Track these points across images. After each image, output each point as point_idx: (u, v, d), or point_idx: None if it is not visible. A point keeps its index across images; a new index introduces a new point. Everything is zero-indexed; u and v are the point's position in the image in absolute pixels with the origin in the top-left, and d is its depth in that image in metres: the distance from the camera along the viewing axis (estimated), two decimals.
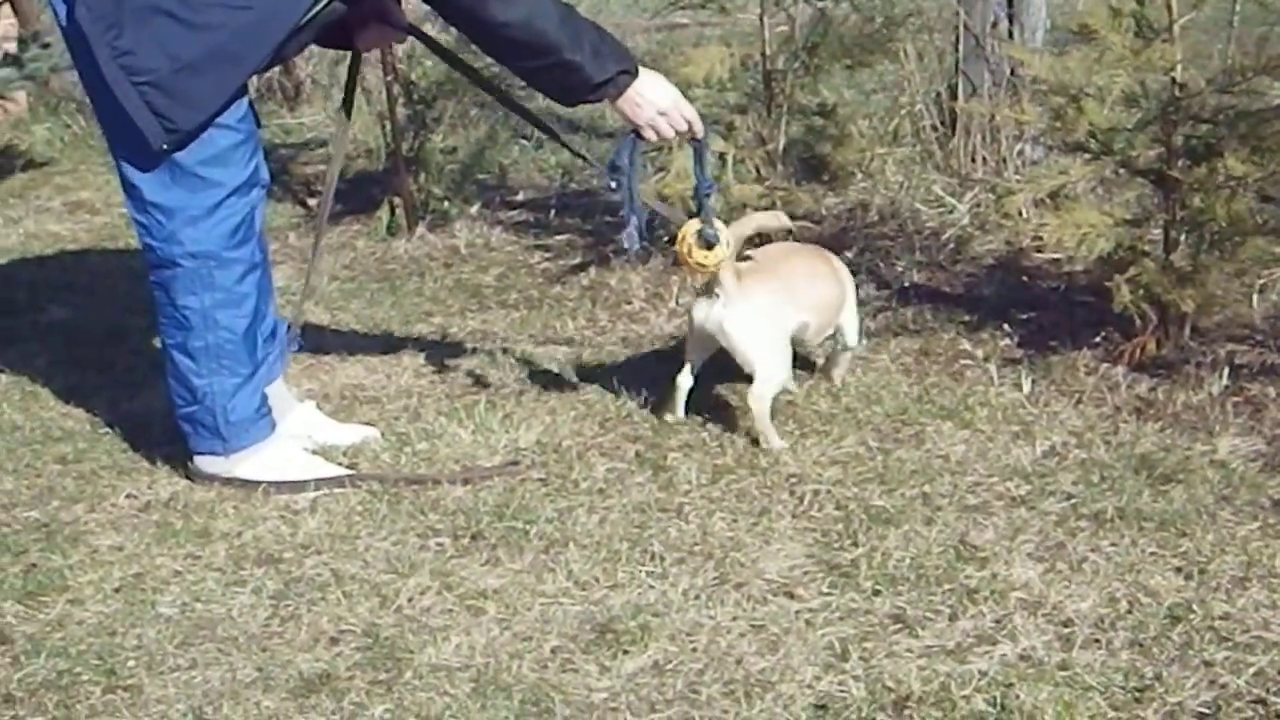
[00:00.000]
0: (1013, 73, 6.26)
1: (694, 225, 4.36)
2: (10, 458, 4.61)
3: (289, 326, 4.62)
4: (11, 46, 7.94)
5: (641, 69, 4.22)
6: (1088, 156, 4.87)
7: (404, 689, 3.37)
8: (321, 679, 3.42)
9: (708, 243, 4.33)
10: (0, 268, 6.52)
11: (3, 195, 7.67)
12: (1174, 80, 4.67)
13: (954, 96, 6.41)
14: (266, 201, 4.49)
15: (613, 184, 4.33)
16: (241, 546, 4.01)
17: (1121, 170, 4.99)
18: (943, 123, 6.50)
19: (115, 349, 5.42)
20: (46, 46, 7.74)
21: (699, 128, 4.32)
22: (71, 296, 6.09)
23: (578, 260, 6.09)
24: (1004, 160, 6.29)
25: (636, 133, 4.26)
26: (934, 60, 6.73)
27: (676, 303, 5.57)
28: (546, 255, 6.29)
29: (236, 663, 3.50)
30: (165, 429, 4.56)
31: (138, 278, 6.12)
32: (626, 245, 4.37)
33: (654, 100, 4.21)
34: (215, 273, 4.20)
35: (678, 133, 4.30)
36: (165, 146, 4.04)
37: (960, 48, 6.39)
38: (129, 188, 4.19)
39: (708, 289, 4.46)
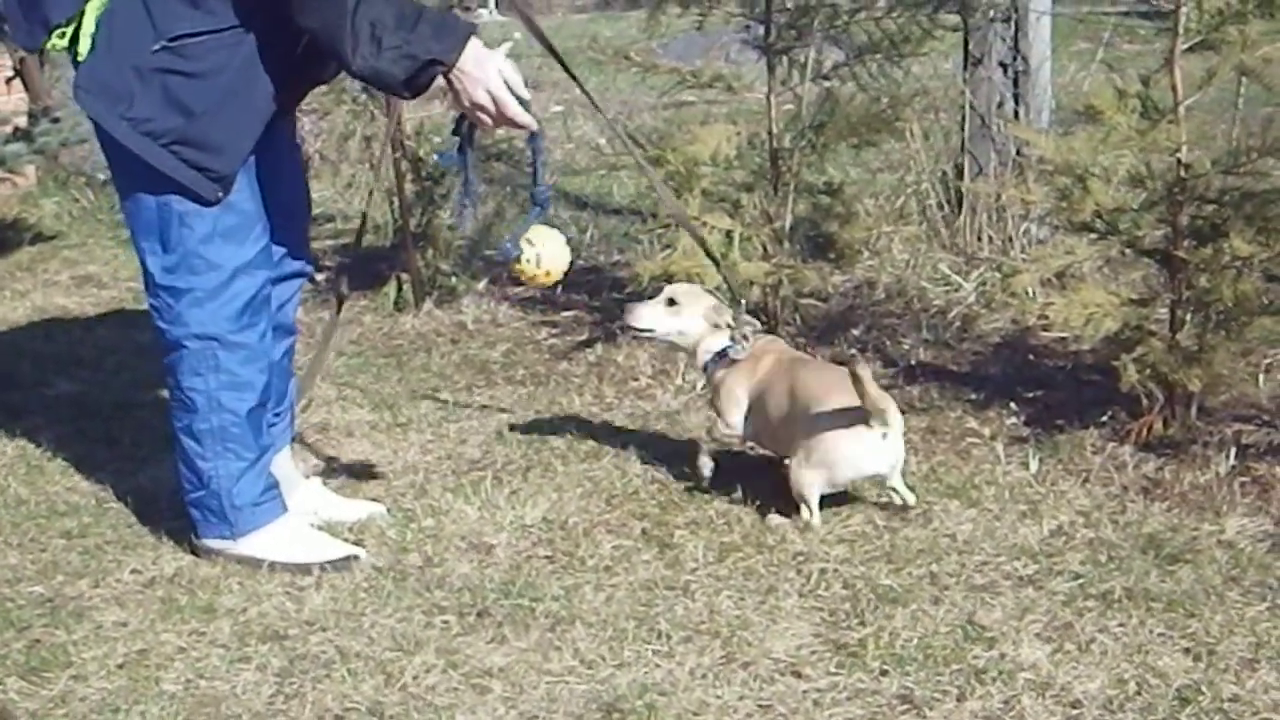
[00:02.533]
0: (1018, 153, 6.31)
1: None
2: (15, 532, 4.60)
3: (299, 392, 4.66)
4: (22, 121, 7.98)
5: (476, 49, 3.91)
6: (1094, 236, 4.89)
7: None
8: None
9: (505, 257, 4.12)
10: (7, 341, 6.53)
11: (10, 268, 7.69)
12: (1179, 161, 4.70)
13: (960, 176, 6.44)
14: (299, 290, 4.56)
15: (444, 160, 4.20)
16: (246, 623, 4.00)
17: (1127, 250, 5.00)
18: (949, 202, 6.53)
19: (121, 424, 5.42)
20: (56, 121, 7.79)
21: (526, 122, 3.97)
22: (78, 371, 6.09)
23: (584, 336, 6.11)
24: (1010, 239, 6.31)
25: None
26: (940, 139, 6.77)
27: (683, 379, 5.57)
28: (553, 331, 6.30)
29: None
30: (171, 504, 4.56)
31: (144, 353, 6.16)
32: (459, 222, 4.21)
33: (472, 90, 3.92)
34: (220, 355, 4.21)
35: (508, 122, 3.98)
36: (220, 195, 4.09)
37: (966, 127, 6.43)
38: (142, 271, 4.23)
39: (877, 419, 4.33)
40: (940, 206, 6.55)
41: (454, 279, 6.75)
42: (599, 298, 6.59)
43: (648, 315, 4.70)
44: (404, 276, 6.70)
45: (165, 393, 4.27)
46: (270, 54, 4.07)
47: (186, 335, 4.20)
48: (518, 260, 4.08)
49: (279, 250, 4.38)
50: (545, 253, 4.09)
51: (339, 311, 4.81)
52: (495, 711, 3.55)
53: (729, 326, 4.64)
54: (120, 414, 5.54)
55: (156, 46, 4.00)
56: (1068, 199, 4.81)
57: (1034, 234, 6.32)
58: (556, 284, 4.28)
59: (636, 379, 5.65)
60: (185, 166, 4.05)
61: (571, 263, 4.21)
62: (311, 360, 4.89)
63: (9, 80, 8.80)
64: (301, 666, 3.78)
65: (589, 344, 6.00)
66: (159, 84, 4.01)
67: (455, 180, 6.75)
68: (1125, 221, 4.81)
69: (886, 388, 5.33)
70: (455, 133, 4.08)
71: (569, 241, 4.19)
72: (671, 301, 4.70)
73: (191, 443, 4.29)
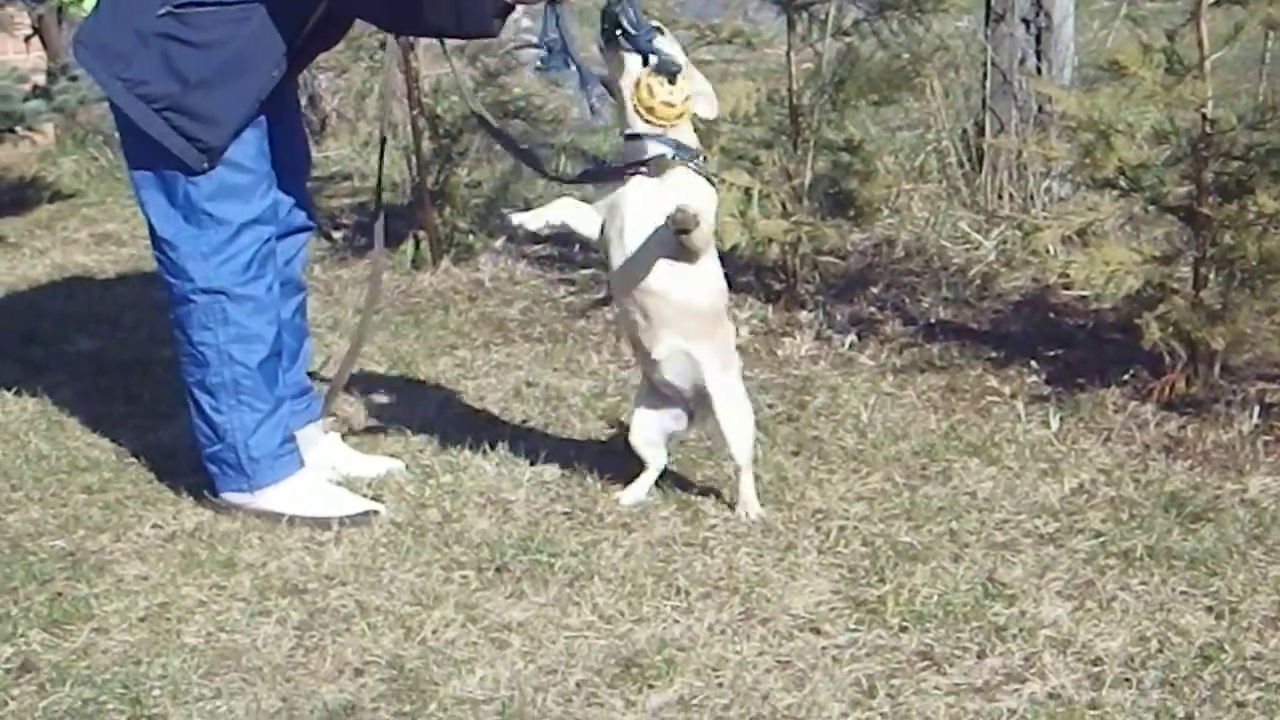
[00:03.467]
0: (1040, 109, 6.27)
1: (639, 69, 4.00)
2: (37, 486, 4.60)
3: (323, 406, 4.65)
4: (40, 79, 7.97)
5: None
6: (1117, 193, 4.86)
7: None
8: (346, 710, 3.40)
9: (669, 72, 3.98)
10: (27, 298, 6.53)
11: (30, 226, 7.70)
12: (1205, 117, 4.66)
13: (981, 133, 6.41)
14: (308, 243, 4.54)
15: (546, 66, 4.03)
16: (266, 577, 4.00)
17: (1151, 207, 4.97)
18: (969, 159, 6.50)
19: (141, 380, 5.42)
20: (75, 79, 7.77)
21: None
22: (98, 328, 6.09)
23: (602, 294, 6.08)
24: (1031, 197, 6.28)
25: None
26: (960, 97, 6.73)
27: None
28: (570, 289, 6.28)
29: (261, 693, 3.49)
30: (190, 460, 4.56)
31: (163, 310, 6.07)
32: (594, 113, 4.11)
33: None
34: (228, 308, 4.21)
35: None
36: (206, 166, 4.07)
37: (987, 84, 6.39)
38: (148, 225, 4.23)
39: None
40: (960, 164, 6.51)
41: (471, 237, 6.74)
42: None
43: None
44: (421, 234, 6.69)
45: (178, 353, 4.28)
46: (276, 31, 4.06)
47: (194, 290, 4.21)
48: (674, 76, 3.96)
49: (283, 206, 4.38)
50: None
51: (378, 280, 4.77)
52: (514, 665, 3.55)
53: None
54: (139, 370, 5.54)
55: (162, 11, 3.99)
56: (1091, 155, 4.78)
57: (1055, 191, 6.28)
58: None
59: None
60: (175, 134, 4.05)
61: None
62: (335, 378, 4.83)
63: (27, 38, 8.79)
64: (321, 620, 3.78)
65: (606, 302, 5.97)
66: (159, 49, 4.01)
67: (472, 138, 6.77)
68: (1149, 178, 4.78)
69: (906, 346, 5.34)
70: (545, 34, 3.98)
71: None
72: None
73: (205, 397, 4.29)
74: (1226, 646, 3.47)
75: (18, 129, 7.70)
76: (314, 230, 4.60)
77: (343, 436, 4.74)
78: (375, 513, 4.29)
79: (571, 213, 4.15)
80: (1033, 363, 5.14)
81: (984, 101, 6.43)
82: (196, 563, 4.09)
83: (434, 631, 3.70)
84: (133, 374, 5.51)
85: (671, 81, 3.98)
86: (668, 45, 4.02)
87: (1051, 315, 5.55)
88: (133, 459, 4.77)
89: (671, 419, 4.30)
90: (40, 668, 3.65)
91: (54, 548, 4.23)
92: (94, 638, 3.77)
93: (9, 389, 5.32)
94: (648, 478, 4.34)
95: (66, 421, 5.10)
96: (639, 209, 4.03)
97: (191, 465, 4.53)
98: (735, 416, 4.19)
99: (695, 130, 4.15)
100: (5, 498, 4.55)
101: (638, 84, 4.00)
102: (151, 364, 5.56)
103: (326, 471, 4.49)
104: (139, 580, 4.03)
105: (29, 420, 5.12)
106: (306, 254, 4.64)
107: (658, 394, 4.26)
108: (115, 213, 7.86)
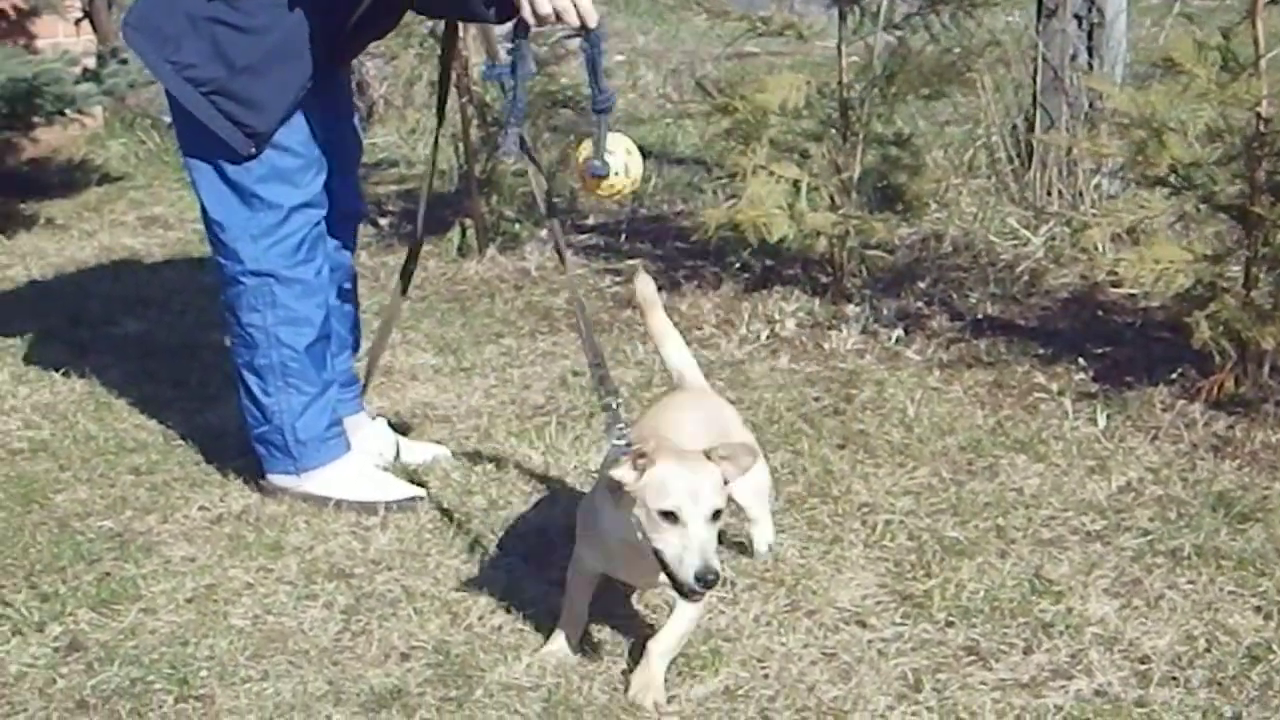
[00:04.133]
0: (1091, 106, 6.25)
1: (586, 147, 3.84)
2: (85, 467, 4.63)
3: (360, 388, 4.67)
4: (90, 62, 8.00)
5: None
6: (1168, 191, 4.84)
7: (475, 706, 3.36)
8: (393, 694, 3.41)
9: (595, 175, 3.81)
10: (75, 280, 6.56)
11: (78, 209, 7.72)
12: (1259, 115, 4.64)
13: (1031, 129, 6.39)
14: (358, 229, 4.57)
15: (496, 79, 3.94)
16: (313, 561, 4.02)
17: (1202, 206, 4.94)
18: (1018, 155, 6.48)
19: (189, 363, 5.44)
20: (124, 62, 7.79)
21: (591, 19, 3.77)
22: (145, 310, 6.12)
23: None
24: (1080, 194, 6.25)
25: (518, 24, 3.83)
26: (1011, 92, 6.71)
27: (747, 329, 5.55)
28: (616, 279, 6.28)
29: (308, 676, 3.50)
30: (238, 443, 4.58)
31: (210, 294, 6.16)
32: (504, 154, 4.07)
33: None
34: (276, 291, 4.24)
35: (561, 19, 3.77)
36: (253, 151, 4.09)
37: (1038, 80, 6.37)
38: (200, 206, 4.27)
39: None
40: (1010, 159, 6.49)
41: (517, 225, 6.74)
42: (662, 246, 6.57)
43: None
44: (467, 222, 6.69)
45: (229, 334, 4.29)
46: (324, 18, 4.07)
47: (243, 271, 4.23)
48: (606, 176, 3.78)
49: (335, 191, 4.38)
50: (630, 161, 3.85)
51: (414, 260, 4.76)
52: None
53: None
54: (187, 353, 5.56)
55: None
56: (1143, 152, 4.76)
57: (1105, 189, 6.26)
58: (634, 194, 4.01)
59: (700, 328, 5.63)
60: (222, 118, 4.07)
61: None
62: (385, 312, 4.83)
63: (78, 21, 8.82)
64: (367, 604, 3.79)
65: None
66: (208, 33, 4.02)
67: (559, 147, 6.76)
68: (1201, 176, 4.76)
69: (953, 341, 5.32)
70: (514, 39, 3.85)
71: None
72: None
73: (254, 378, 4.31)
74: (1275, 647, 3.46)
75: (67, 111, 7.71)
76: (364, 216, 4.61)
77: (389, 423, 4.74)
78: (420, 499, 4.30)
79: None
80: (1080, 360, 5.12)
81: (1034, 97, 6.40)
82: (244, 545, 4.11)
83: (480, 618, 3.71)
84: (180, 357, 5.53)
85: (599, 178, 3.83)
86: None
87: (1100, 313, 5.53)
88: (180, 441, 4.78)
89: None
90: (88, 647, 3.67)
91: (102, 528, 4.25)
92: (142, 618, 3.79)
93: (57, 370, 5.34)
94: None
95: (114, 403, 5.12)
96: None
97: (239, 448, 4.55)
98: None
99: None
100: (54, 477, 4.58)
101: (577, 157, 3.90)
102: (199, 347, 5.58)
103: (373, 457, 4.51)
104: (186, 561, 4.05)
105: (77, 401, 5.14)
106: (357, 240, 4.65)
107: None
108: (163, 196, 7.89)
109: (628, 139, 3.88)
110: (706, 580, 3.10)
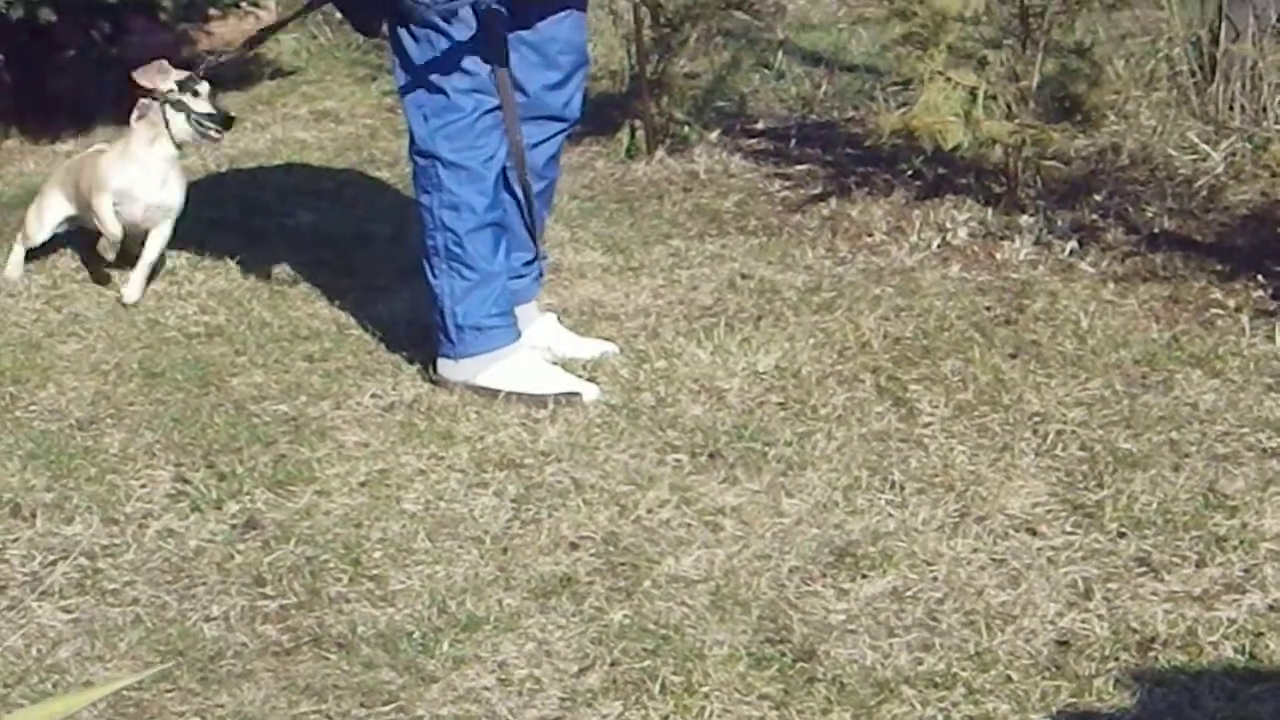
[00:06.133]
0: (1278, 18, 6.07)
1: None
2: (260, 353, 4.71)
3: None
4: None
5: None
6: None
7: (643, 597, 3.39)
8: (562, 582, 3.46)
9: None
10: (249, 171, 6.64)
11: (251, 102, 7.81)
12: None
13: (1215, 41, 6.22)
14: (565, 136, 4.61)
15: None
16: (483, 450, 4.06)
17: None
18: (1200, 68, 6.32)
19: (360, 254, 5.50)
20: None
21: None
22: (318, 202, 6.19)
23: (818, 190, 6.03)
24: (1264, 109, 6.09)
25: None
26: (1196, 3, 6.54)
27: (918, 236, 5.49)
28: (786, 184, 6.24)
29: (478, 561, 3.56)
30: (409, 333, 4.64)
31: (380, 187, 6.25)
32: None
33: None
34: (441, 174, 4.31)
35: None
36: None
37: None
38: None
39: None
40: (1192, 73, 6.34)
41: (687, 128, 6.71)
42: (833, 152, 6.50)
43: None
44: (637, 124, 6.68)
45: (400, 227, 4.32)
46: None
47: (415, 151, 4.36)
48: None
49: (549, 92, 4.40)
50: None
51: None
52: (728, 548, 3.57)
53: None
54: (358, 245, 5.62)
55: None
56: None
57: None
58: None
59: (871, 234, 5.58)
60: None
61: None
62: None
63: None
64: (537, 494, 3.83)
65: (823, 198, 5.93)
66: None
67: (693, 28, 6.74)
68: None
69: (1128, 255, 5.24)
70: None
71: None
72: None
73: (427, 258, 4.40)
74: None
75: (242, 4, 7.81)
76: (571, 123, 4.59)
77: (558, 317, 4.77)
78: (589, 393, 4.32)
79: None
80: (1259, 277, 5.01)
81: (1219, 8, 6.24)
82: (415, 433, 4.17)
83: (648, 511, 3.74)
84: (352, 248, 5.59)
85: None
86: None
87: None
88: (353, 329, 4.85)
89: None
90: (265, 525, 3.76)
91: (277, 412, 4.33)
92: (316, 500, 3.86)
93: (232, 258, 5.42)
94: None
95: (288, 291, 5.19)
96: None
97: (410, 339, 4.62)
98: None
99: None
100: (230, 361, 4.67)
101: None
102: (370, 239, 5.64)
103: (542, 351, 4.53)
104: (359, 447, 4.12)
105: (251, 288, 5.22)
106: (558, 145, 4.63)
107: None
108: (334, 91, 7.96)
109: None
110: None
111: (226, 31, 8.55)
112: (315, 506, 3.82)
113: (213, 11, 7.58)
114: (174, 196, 5.14)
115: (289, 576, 3.53)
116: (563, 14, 4.43)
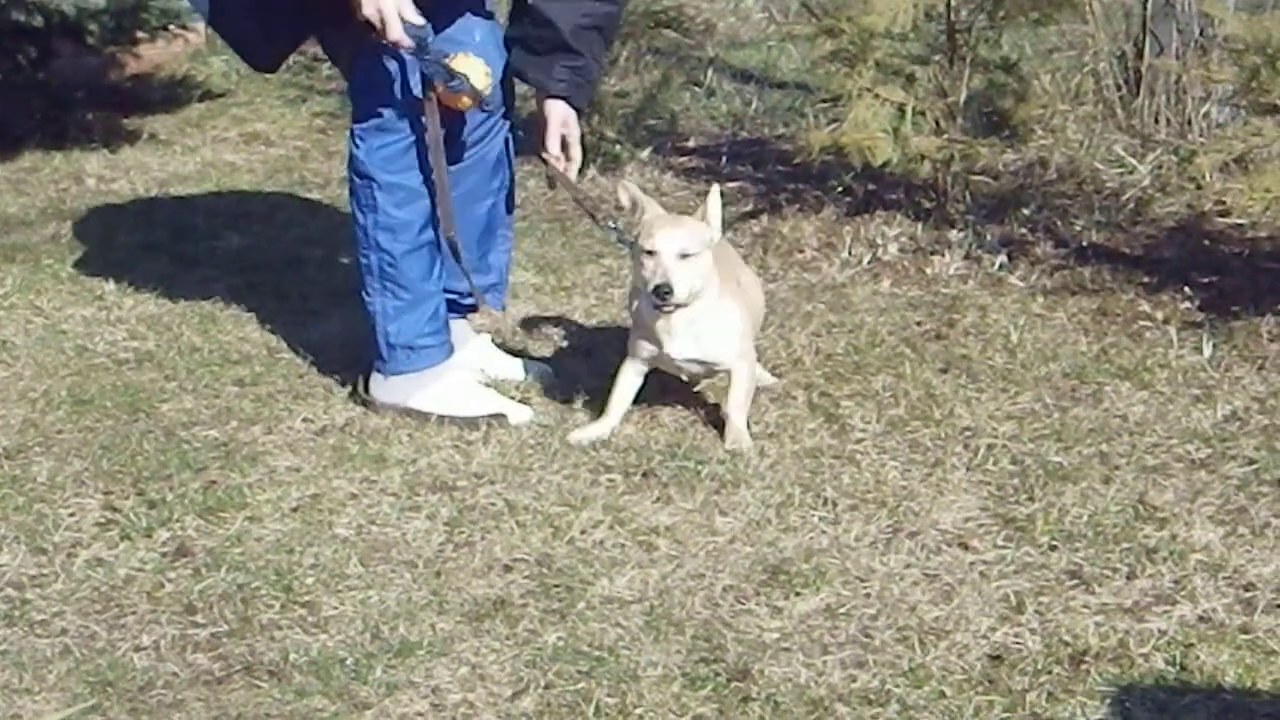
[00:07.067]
0: (1202, 32, 6.14)
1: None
2: (190, 378, 4.67)
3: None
4: None
5: None
6: None
7: (577, 618, 3.39)
8: (496, 605, 3.45)
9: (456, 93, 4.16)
10: (178, 195, 6.60)
11: (180, 125, 7.77)
12: None
13: (1140, 55, 6.28)
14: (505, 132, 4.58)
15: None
16: (416, 473, 4.05)
17: None
18: (1126, 82, 6.38)
19: (291, 277, 5.47)
20: None
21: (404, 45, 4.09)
22: (248, 225, 6.15)
23: (749, 207, 6.05)
24: (1188, 122, 6.15)
25: None
26: (1120, 18, 6.60)
27: (849, 252, 5.51)
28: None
29: (411, 585, 3.54)
30: (341, 356, 4.62)
31: (312, 210, 6.22)
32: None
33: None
34: (377, 195, 4.32)
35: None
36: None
37: (1149, 5, 6.25)
38: None
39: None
40: (1117, 87, 6.39)
41: (618, 146, 6.72)
42: (764, 169, 6.52)
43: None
44: None
45: (331, 249, 4.29)
46: None
47: (353, 170, 4.36)
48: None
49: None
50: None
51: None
52: (662, 568, 3.58)
53: None
54: (289, 268, 5.60)
55: None
56: (1256, 79, 4.69)
57: (1214, 117, 6.15)
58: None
59: (802, 251, 5.60)
60: None
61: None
62: None
63: None
64: (471, 517, 3.82)
65: (754, 215, 5.95)
66: None
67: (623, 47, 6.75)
68: None
69: (1057, 268, 5.28)
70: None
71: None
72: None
73: (361, 275, 4.42)
74: None
75: (171, 27, 7.76)
76: (506, 115, 4.57)
77: (492, 338, 4.76)
78: (521, 415, 4.30)
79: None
80: (1186, 289, 5.06)
81: (1144, 23, 6.30)
82: (347, 457, 4.15)
83: (582, 532, 3.73)
84: (282, 272, 5.57)
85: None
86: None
87: (1206, 242, 5.45)
88: (284, 354, 4.82)
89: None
90: (195, 552, 3.73)
91: (207, 437, 4.30)
92: (247, 526, 3.84)
93: (162, 282, 5.39)
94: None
95: (218, 315, 5.16)
96: None
97: (342, 362, 4.60)
98: None
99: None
100: (159, 387, 4.63)
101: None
102: (301, 263, 5.61)
103: (476, 373, 4.52)
104: (291, 472, 4.09)
105: (181, 313, 5.19)
106: (499, 143, 4.59)
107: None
108: (264, 113, 7.91)
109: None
110: (660, 291, 4.01)
111: (155, 55, 8.50)
112: (246, 533, 3.80)
113: (141, 35, 7.50)
114: None
115: (220, 604, 3.51)
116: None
